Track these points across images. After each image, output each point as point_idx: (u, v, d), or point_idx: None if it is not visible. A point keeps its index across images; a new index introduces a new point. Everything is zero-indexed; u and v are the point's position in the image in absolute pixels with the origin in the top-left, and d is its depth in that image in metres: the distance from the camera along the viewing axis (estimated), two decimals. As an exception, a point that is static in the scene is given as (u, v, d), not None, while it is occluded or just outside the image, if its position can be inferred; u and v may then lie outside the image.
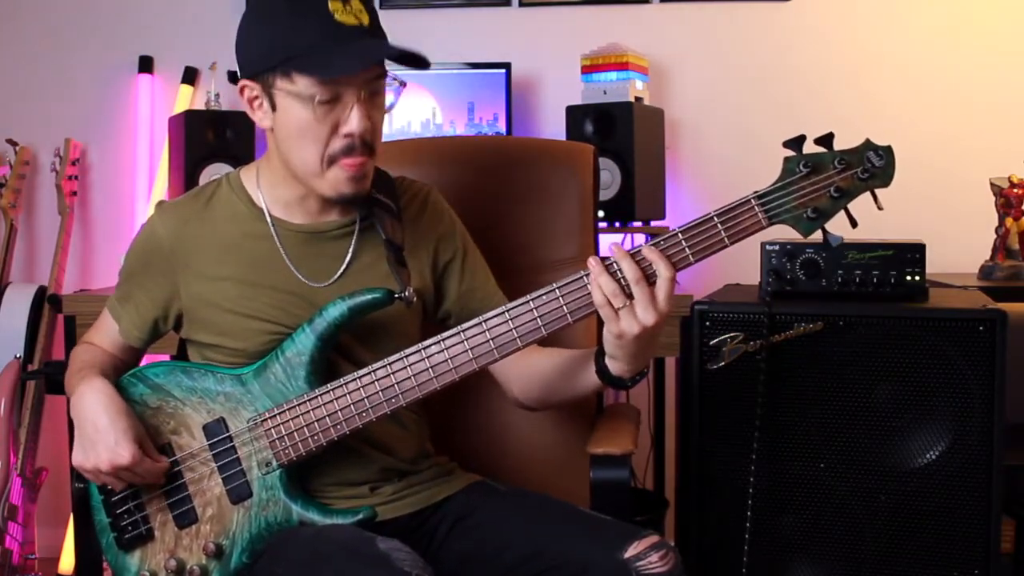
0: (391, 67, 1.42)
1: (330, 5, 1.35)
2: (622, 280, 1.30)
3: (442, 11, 3.06)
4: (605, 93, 2.69)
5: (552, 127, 2.97)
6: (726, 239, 1.31)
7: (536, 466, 1.86)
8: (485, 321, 1.37)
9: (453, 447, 1.71)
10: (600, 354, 1.40)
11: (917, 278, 1.88)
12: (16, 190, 2.99)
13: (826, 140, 1.31)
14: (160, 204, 1.56)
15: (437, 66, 2.84)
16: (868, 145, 1.31)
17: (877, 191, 1.32)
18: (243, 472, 1.44)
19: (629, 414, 1.87)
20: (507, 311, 1.36)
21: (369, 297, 1.44)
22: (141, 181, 3.10)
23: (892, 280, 1.88)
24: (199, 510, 1.45)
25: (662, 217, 2.74)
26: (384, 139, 1.52)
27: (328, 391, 1.42)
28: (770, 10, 2.96)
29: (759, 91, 2.95)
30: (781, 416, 1.83)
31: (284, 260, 1.50)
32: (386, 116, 1.48)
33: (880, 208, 1.32)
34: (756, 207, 1.31)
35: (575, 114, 2.68)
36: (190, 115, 2.77)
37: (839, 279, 1.89)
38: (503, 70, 2.85)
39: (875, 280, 1.88)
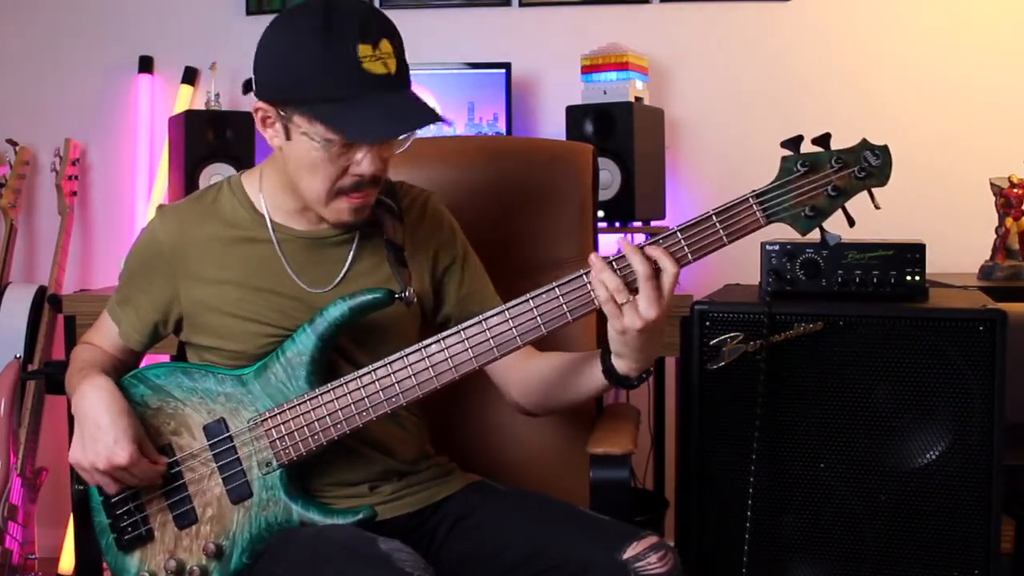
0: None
1: (360, 50, 1.32)
2: (627, 276, 1.30)
3: (442, 11, 3.06)
4: (605, 93, 2.69)
5: (552, 127, 2.98)
6: (724, 238, 1.31)
7: (536, 466, 1.86)
8: (485, 320, 1.37)
9: (453, 447, 1.71)
10: (606, 353, 1.40)
11: (917, 278, 1.88)
12: (16, 190, 2.99)
13: (823, 140, 1.31)
14: (161, 207, 1.55)
15: (437, 66, 2.86)
16: (865, 145, 1.32)
17: (874, 190, 1.32)
18: (243, 472, 1.44)
19: (629, 414, 1.87)
20: (507, 310, 1.36)
21: (370, 297, 1.44)
22: (141, 181, 3.10)
23: (892, 280, 1.88)
24: (199, 510, 1.45)
25: (662, 217, 2.74)
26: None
27: (328, 391, 1.42)
28: (770, 10, 2.96)
29: (759, 91, 2.95)
30: (781, 416, 1.83)
31: (284, 266, 1.50)
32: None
33: (877, 207, 1.33)
34: (754, 206, 1.31)
35: (575, 114, 2.68)
36: (190, 115, 2.77)
37: (839, 279, 1.89)
38: (503, 70, 2.85)
39: (875, 280, 1.88)
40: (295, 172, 1.43)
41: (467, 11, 3.05)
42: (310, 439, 1.42)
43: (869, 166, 1.30)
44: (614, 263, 1.31)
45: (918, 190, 2.75)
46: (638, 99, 2.70)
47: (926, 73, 2.91)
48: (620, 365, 1.38)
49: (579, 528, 1.43)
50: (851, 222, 1.33)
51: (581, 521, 1.46)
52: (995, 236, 2.57)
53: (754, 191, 1.31)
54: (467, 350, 1.37)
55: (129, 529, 1.47)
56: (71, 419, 1.46)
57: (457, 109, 2.85)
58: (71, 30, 3.13)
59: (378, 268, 1.52)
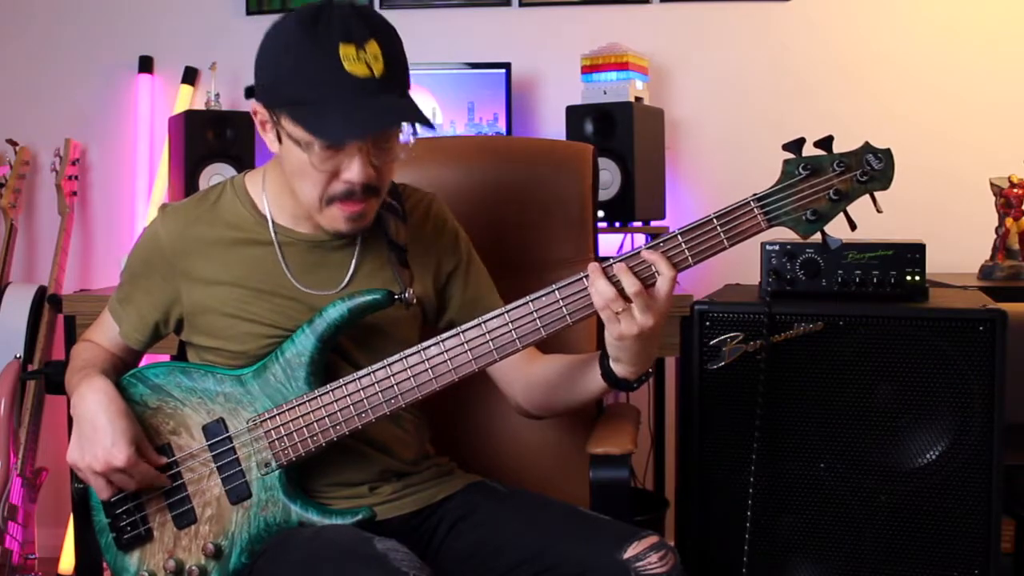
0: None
1: (341, 50, 1.30)
2: (619, 285, 1.30)
3: (442, 11, 3.06)
4: (605, 93, 2.69)
5: (552, 127, 2.97)
6: (725, 241, 1.31)
7: (536, 466, 1.86)
8: (484, 323, 1.37)
9: (453, 448, 1.71)
10: (604, 357, 1.40)
11: (917, 278, 1.88)
12: (16, 190, 2.99)
13: (825, 143, 1.31)
14: (163, 207, 1.55)
15: (437, 66, 2.86)
16: (867, 148, 1.31)
17: (876, 194, 1.32)
18: (242, 472, 1.44)
19: (629, 414, 1.87)
20: (506, 312, 1.36)
21: (369, 298, 1.44)
22: (141, 181, 3.10)
23: (892, 280, 1.88)
24: (198, 510, 1.45)
25: (662, 217, 2.74)
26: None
27: (327, 392, 1.42)
28: (770, 10, 2.96)
29: (759, 91, 2.95)
30: (781, 416, 1.83)
31: (285, 269, 1.49)
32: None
33: (879, 211, 1.32)
34: (755, 209, 1.31)
35: (575, 114, 2.68)
36: (190, 115, 2.77)
37: (839, 279, 1.89)
38: (503, 70, 2.85)
39: (875, 280, 1.88)
40: (290, 177, 1.43)
41: (467, 11, 3.05)
42: (309, 440, 1.42)
43: (872, 170, 1.30)
44: (610, 272, 1.31)
45: (918, 190, 2.74)
46: (638, 99, 2.70)
47: (926, 73, 2.91)
48: (618, 369, 1.39)
49: (579, 528, 1.43)
50: (852, 226, 1.32)
51: (581, 521, 1.46)
52: (995, 236, 2.57)
53: (755, 194, 1.31)
54: (466, 352, 1.37)
55: (128, 529, 1.47)
56: (71, 419, 1.46)
57: (457, 109, 2.85)
58: (71, 30, 3.13)
59: (381, 271, 1.52)
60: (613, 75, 2.70)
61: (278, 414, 1.43)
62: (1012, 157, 2.63)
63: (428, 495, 1.55)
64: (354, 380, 1.41)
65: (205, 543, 1.44)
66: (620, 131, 2.61)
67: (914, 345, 1.78)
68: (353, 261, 1.52)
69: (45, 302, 2.86)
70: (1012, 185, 2.53)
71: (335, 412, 1.41)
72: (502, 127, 2.84)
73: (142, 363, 1.58)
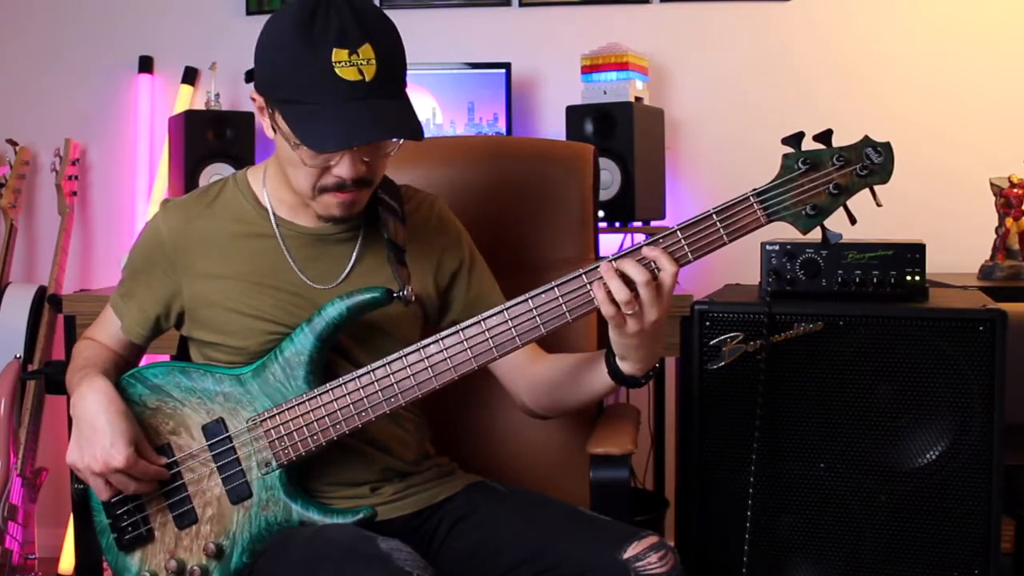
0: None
1: (334, 55, 1.30)
2: (628, 281, 1.30)
3: (442, 11, 3.06)
4: (605, 93, 2.69)
5: (552, 127, 2.98)
6: (725, 237, 1.31)
7: (536, 466, 1.86)
8: (484, 320, 1.37)
9: (453, 448, 1.71)
10: (610, 355, 1.40)
11: (917, 278, 1.88)
12: (16, 190, 2.99)
13: (825, 137, 1.31)
14: (165, 202, 1.55)
15: (437, 66, 2.86)
16: (867, 142, 1.31)
17: (876, 187, 1.31)
18: (243, 472, 1.44)
19: (629, 414, 1.87)
20: (506, 310, 1.36)
21: (367, 296, 1.44)
22: (141, 181, 3.10)
23: (892, 280, 1.88)
24: (199, 510, 1.45)
25: (662, 217, 2.74)
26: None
27: (327, 391, 1.42)
28: (770, 10, 2.96)
29: (759, 91, 2.95)
30: (781, 416, 1.83)
31: (288, 261, 1.50)
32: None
33: (879, 205, 1.32)
34: (755, 204, 1.31)
35: (575, 114, 2.68)
36: (190, 115, 2.77)
37: (839, 279, 1.89)
38: (503, 70, 2.85)
39: (875, 280, 1.88)
40: (284, 165, 1.44)
41: (467, 11, 3.05)
42: (309, 439, 1.42)
43: (871, 163, 1.30)
44: (617, 264, 1.31)
45: (918, 190, 2.75)
46: (638, 99, 2.70)
47: (926, 73, 2.91)
48: (625, 366, 1.39)
49: (579, 528, 1.43)
50: (852, 220, 1.32)
51: (581, 521, 1.46)
52: (995, 236, 2.57)
53: (754, 189, 1.31)
54: (466, 350, 1.37)
55: (129, 529, 1.47)
56: (71, 419, 1.45)
57: (457, 109, 2.85)
58: (71, 30, 3.13)
59: (381, 267, 1.52)
60: (613, 75, 2.70)
61: (277, 413, 1.43)
62: (1012, 157, 2.63)
63: (429, 495, 1.55)
64: (354, 379, 1.41)
65: (206, 543, 1.44)
66: (620, 131, 2.61)
67: (914, 345, 1.78)
68: (353, 255, 1.52)
69: (45, 302, 2.86)
70: (1012, 185, 2.53)
71: (335, 411, 1.41)
72: (502, 127, 2.84)
73: (142, 363, 1.58)
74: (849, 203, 1.32)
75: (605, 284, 1.31)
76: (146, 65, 3.09)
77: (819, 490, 1.83)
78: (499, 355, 1.37)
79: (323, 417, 1.41)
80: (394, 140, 1.41)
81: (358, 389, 1.40)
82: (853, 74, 2.92)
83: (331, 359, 1.47)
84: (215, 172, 2.71)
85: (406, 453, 1.56)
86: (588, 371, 1.48)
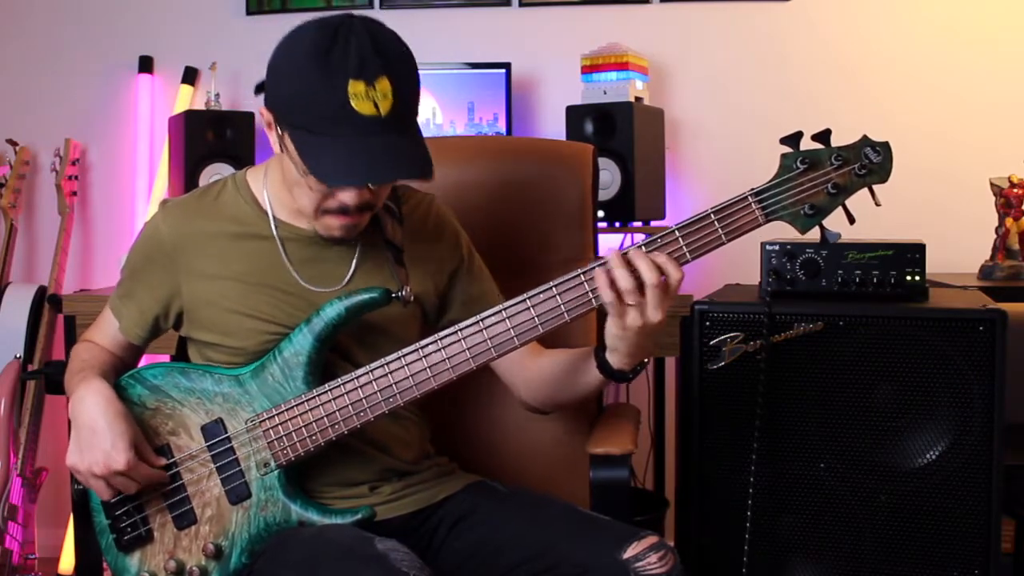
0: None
1: (350, 88, 1.28)
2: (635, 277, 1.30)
3: (442, 11, 3.06)
4: (605, 93, 2.69)
5: (552, 127, 2.98)
6: (723, 236, 1.31)
7: (536, 466, 1.86)
8: (482, 320, 1.37)
9: (453, 447, 1.71)
10: (600, 349, 1.40)
11: (917, 278, 1.87)
12: (16, 190, 2.99)
13: (823, 136, 1.31)
14: (164, 202, 1.55)
15: (437, 66, 2.86)
16: (865, 141, 1.31)
17: (875, 187, 1.31)
18: (242, 473, 1.44)
19: (629, 414, 1.87)
20: (504, 310, 1.36)
21: (366, 296, 1.44)
22: (141, 181, 3.10)
23: (892, 280, 1.88)
24: (198, 511, 1.45)
25: (662, 217, 2.74)
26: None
27: (326, 391, 1.42)
28: (770, 10, 2.96)
29: (759, 91, 2.95)
30: (781, 416, 1.83)
31: (286, 263, 1.50)
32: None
33: (878, 204, 1.32)
34: (753, 204, 1.31)
35: (575, 114, 2.68)
36: (190, 115, 2.78)
37: (839, 279, 1.88)
38: (503, 70, 2.85)
39: (875, 280, 1.88)
40: (288, 182, 1.44)
41: (467, 11, 3.05)
42: (308, 440, 1.42)
43: (870, 163, 1.30)
44: (631, 255, 1.31)
45: (918, 190, 2.75)
46: (638, 99, 2.70)
47: (926, 73, 2.91)
48: (614, 359, 1.39)
49: (579, 528, 1.43)
50: (851, 219, 1.32)
51: (581, 521, 1.46)
52: (995, 236, 2.57)
53: (753, 189, 1.31)
54: (465, 350, 1.37)
55: (128, 530, 1.47)
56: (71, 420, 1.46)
57: (457, 109, 2.85)
58: (71, 30, 3.13)
59: (380, 270, 1.52)
60: (613, 75, 2.70)
61: (276, 414, 1.43)
62: (1012, 157, 2.63)
63: (428, 495, 1.55)
64: (352, 379, 1.41)
65: (205, 543, 1.44)
66: (620, 131, 2.61)
67: (914, 345, 1.78)
68: (354, 260, 1.52)
69: (45, 302, 2.86)
70: (1012, 185, 2.53)
71: (334, 412, 1.41)
72: (502, 127, 2.84)
73: (141, 364, 1.58)
74: (849, 203, 1.32)
75: (610, 272, 1.30)
76: (146, 65, 3.09)
77: (819, 490, 1.83)
78: (497, 355, 1.38)
79: (322, 418, 1.41)
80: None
81: (357, 389, 1.40)
82: (853, 74, 2.92)
83: (330, 359, 1.47)
84: (215, 172, 2.71)
85: (405, 453, 1.56)
86: (580, 367, 1.48)
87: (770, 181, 1.31)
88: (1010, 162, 2.60)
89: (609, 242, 2.77)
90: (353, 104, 1.28)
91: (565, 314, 1.35)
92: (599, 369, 1.42)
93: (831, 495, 1.82)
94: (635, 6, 2.99)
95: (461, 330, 1.37)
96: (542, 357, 1.56)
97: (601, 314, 1.35)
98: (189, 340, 1.55)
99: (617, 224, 2.63)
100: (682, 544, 1.93)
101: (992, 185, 2.57)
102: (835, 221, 1.32)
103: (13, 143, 3.01)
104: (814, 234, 1.33)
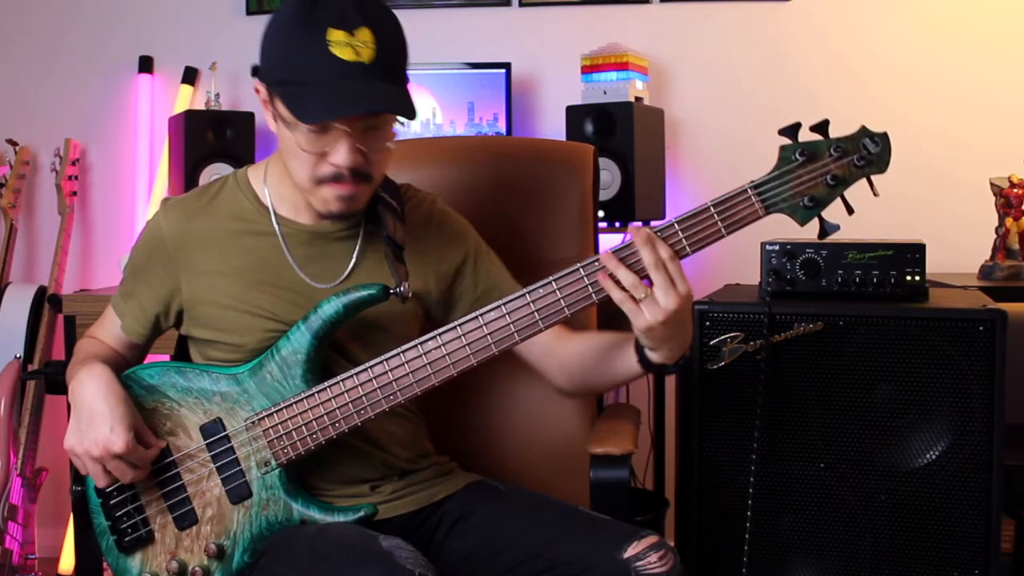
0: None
1: (330, 34, 1.31)
2: (638, 269, 1.30)
3: (442, 11, 3.06)
4: (605, 93, 2.69)
5: (552, 127, 2.98)
6: (723, 229, 1.31)
7: (536, 466, 1.86)
8: (481, 316, 1.37)
9: (453, 447, 1.71)
10: (639, 346, 1.39)
11: (917, 278, 1.87)
12: (16, 190, 2.99)
13: (822, 127, 1.31)
14: (165, 200, 1.56)
15: (437, 66, 2.86)
16: (864, 132, 1.31)
17: (873, 177, 1.31)
18: (242, 472, 1.44)
19: (629, 414, 1.87)
20: (503, 305, 1.36)
21: (364, 293, 1.43)
22: (141, 181, 3.10)
23: (892, 280, 1.88)
24: (199, 511, 1.45)
25: (662, 217, 2.74)
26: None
27: (325, 389, 1.41)
28: (770, 10, 2.96)
29: (759, 91, 2.95)
30: (781, 416, 1.83)
31: (288, 258, 1.50)
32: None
33: (876, 195, 1.32)
34: (752, 196, 1.30)
35: (575, 114, 2.68)
36: (190, 115, 2.78)
37: (839, 279, 1.89)
38: (503, 70, 2.85)
39: (875, 280, 1.88)
40: (284, 158, 1.45)
41: (467, 11, 3.05)
42: (308, 438, 1.42)
43: (868, 153, 1.30)
44: (624, 257, 1.31)
45: (918, 190, 2.75)
46: (638, 99, 2.70)
47: (926, 73, 2.91)
48: (654, 356, 1.37)
49: (579, 528, 1.43)
50: (850, 210, 1.32)
51: (581, 521, 1.46)
52: (995, 236, 2.57)
53: (752, 181, 1.31)
54: (465, 347, 1.37)
55: (129, 531, 1.47)
56: (71, 411, 1.45)
57: (457, 109, 2.85)
58: (71, 30, 3.13)
59: (381, 267, 1.52)
60: (613, 75, 2.70)
61: (275, 412, 1.43)
62: (1012, 157, 2.63)
63: (428, 494, 1.55)
64: (352, 377, 1.40)
65: (207, 543, 1.44)
66: (620, 131, 2.61)
67: (914, 345, 1.78)
68: (354, 255, 1.52)
69: (45, 302, 2.86)
70: (1012, 185, 2.53)
71: (333, 410, 1.41)
72: (502, 127, 2.84)
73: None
74: (848, 196, 1.32)
75: (610, 272, 1.30)
76: (146, 65, 3.09)
77: (819, 490, 1.83)
78: (497, 351, 1.37)
79: (322, 416, 1.41)
80: (392, 131, 1.41)
81: (356, 387, 1.40)
82: (853, 74, 2.92)
83: (329, 357, 1.47)
84: (215, 172, 2.71)
85: (405, 451, 1.56)
86: (617, 355, 1.46)
87: (769, 173, 1.31)
88: (1010, 162, 2.60)
89: (609, 242, 2.76)
90: (333, 50, 1.31)
91: (565, 308, 1.34)
92: (640, 364, 1.40)
93: (831, 495, 1.82)
94: (635, 6, 2.99)
95: (461, 326, 1.37)
96: (572, 341, 1.55)
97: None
98: (189, 338, 1.55)
99: (617, 224, 2.63)
100: (682, 544, 1.93)
101: (992, 185, 2.57)
102: (834, 212, 1.32)
103: (13, 143, 3.01)
104: (813, 227, 1.33)
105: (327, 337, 1.45)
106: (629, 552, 1.34)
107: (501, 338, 1.36)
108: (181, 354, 1.61)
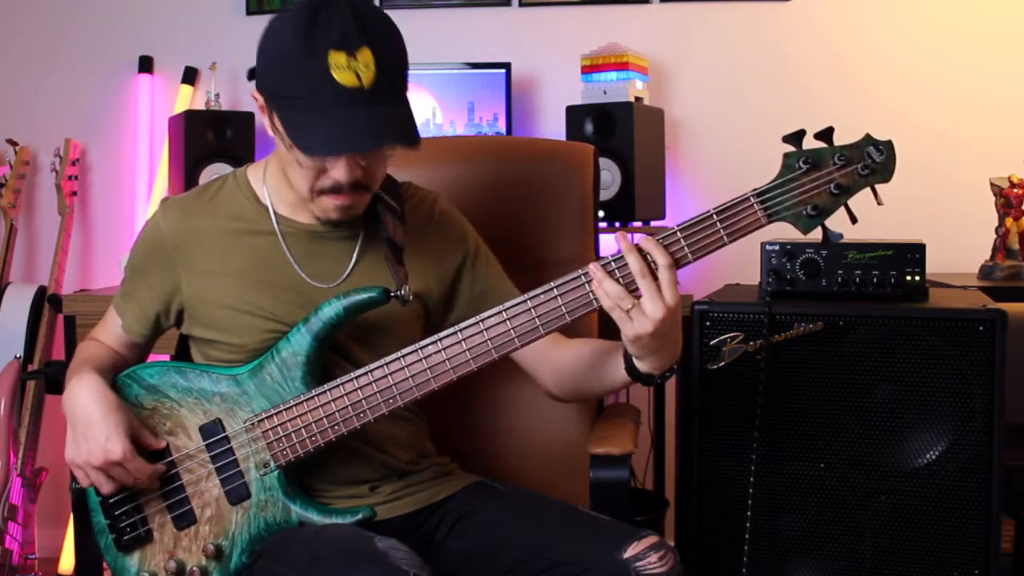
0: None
1: (331, 58, 1.28)
2: (625, 280, 1.29)
3: (442, 11, 3.06)
4: (605, 93, 2.69)
5: (552, 127, 2.97)
6: (725, 237, 1.30)
7: (536, 466, 1.86)
8: (482, 320, 1.36)
9: (453, 447, 1.71)
10: (629, 354, 1.39)
11: (917, 278, 1.88)
12: (16, 190, 2.99)
13: (826, 135, 1.30)
14: (164, 200, 1.56)
15: (437, 66, 2.86)
16: (868, 140, 1.30)
17: (877, 186, 1.31)
18: (241, 473, 1.44)
19: (629, 414, 1.87)
20: (504, 310, 1.35)
21: (365, 296, 1.43)
22: (141, 181, 3.10)
23: (892, 280, 1.88)
24: (197, 511, 1.45)
25: (662, 217, 2.74)
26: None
27: (325, 391, 1.41)
28: (770, 10, 2.96)
29: (759, 91, 2.95)
30: (781, 416, 1.83)
31: (288, 258, 1.50)
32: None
33: (880, 203, 1.32)
34: (755, 205, 1.30)
35: (575, 114, 2.68)
36: (190, 115, 2.77)
37: (839, 279, 1.89)
38: (503, 70, 2.85)
39: (875, 280, 1.88)
40: (283, 163, 1.45)
41: (467, 11, 3.05)
42: (308, 440, 1.42)
43: (873, 162, 1.29)
44: (615, 267, 1.31)
45: (918, 190, 2.75)
46: (638, 99, 2.70)
47: (926, 73, 2.91)
48: (641, 366, 1.37)
49: (579, 528, 1.43)
50: (853, 219, 1.31)
51: (581, 521, 1.46)
52: (995, 236, 2.57)
53: (755, 190, 1.30)
54: (465, 351, 1.37)
55: (128, 530, 1.47)
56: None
57: (457, 109, 2.85)
58: (71, 30, 3.13)
59: (380, 267, 1.52)
60: (613, 75, 2.70)
61: (275, 414, 1.43)
62: (1012, 157, 2.63)
63: (428, 495, 1.55)
64: (351, 380, 1.40)
65: (205, 544, 1.44)
66: (620, 131, 2.61)
67: (914, 345, 1.78)
68: (354, 255, 1.52)
69: (45, 302, 2.86)
70: (1012, 185, 2.53)
71: (333, 412, 1.41)
72: (502, 127, 2.84)
73: (139, 364, 1.58)
74: (849, 202, 1.32)
75: (599, 282, 1.30)
76: (146, 65, 3.09)
77: (819, 490, 1.83)
78: (498, 356, 1.37)
79: (321, 418, 1.41)
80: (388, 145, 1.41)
81: (356, 390, 1.40)
82: (853, 74, 2.92)
83: (330, 358, 1.47)
84: (215, 172, 2.71)
85: (405, 453, 1.56)
86: (606, 365, 1.46)
87: (772, 181, 1.30)
88: (1010, 162, 2.60)
89: (609, 242, 2.77)
90: (334, 75, 1.29)
91: (566, 315, 1.34)
92: (628, 373, 1.40)
93: (831, 495, 1.82)
94: (635, 6, 2.99)
95: (461, 330, 1.37)
96: (565, 348, 1.55)
97: (603, 315, 1.34)
98: (190, 338, 1.55)
99: (617, 224, 2.63)
100: (682, 544, 1.93)
101: (992, 185, 2.57)
102: (837, 220, 1.31)
103: (13, 143, 3.01)
104: (815, 234, 1.33)
105: (327, 339, 1.44)
106: (629, 552, 1.34)
107: (502, 343, 1.36)
108: (182, 354, 1.61)
